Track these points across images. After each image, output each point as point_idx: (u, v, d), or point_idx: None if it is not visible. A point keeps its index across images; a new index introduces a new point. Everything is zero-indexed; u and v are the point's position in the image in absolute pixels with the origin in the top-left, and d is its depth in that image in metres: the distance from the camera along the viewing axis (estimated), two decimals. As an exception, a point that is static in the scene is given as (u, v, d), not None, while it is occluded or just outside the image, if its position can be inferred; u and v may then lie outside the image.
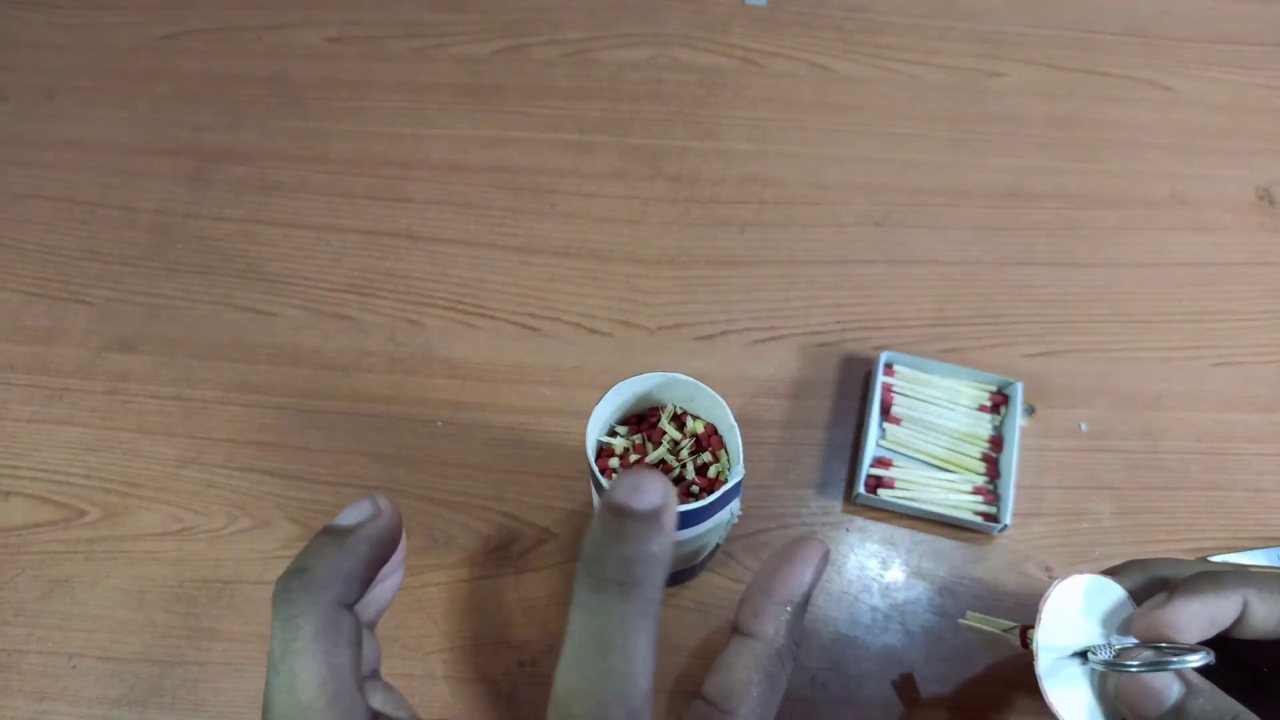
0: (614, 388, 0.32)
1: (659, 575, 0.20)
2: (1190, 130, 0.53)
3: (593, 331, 0.46)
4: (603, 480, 0.31)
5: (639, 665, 0.20)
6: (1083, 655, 0.29)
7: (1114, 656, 0.28)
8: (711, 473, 0.33)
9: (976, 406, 0.43)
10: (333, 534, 0.23)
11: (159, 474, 0.42)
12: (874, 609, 0.40)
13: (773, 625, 0.25)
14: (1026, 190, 0.51)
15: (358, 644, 0.23)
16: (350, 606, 0.23)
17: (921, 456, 0.42)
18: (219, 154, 0.51)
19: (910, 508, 0.41)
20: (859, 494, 0.41)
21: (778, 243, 0.49)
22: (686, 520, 0.30)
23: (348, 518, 0.24)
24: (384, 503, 0.24)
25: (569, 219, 0.49)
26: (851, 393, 0.44)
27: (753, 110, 0.53)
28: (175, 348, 0.45)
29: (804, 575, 0.26)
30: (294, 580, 0.22)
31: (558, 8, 0.56)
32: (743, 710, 0.24)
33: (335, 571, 0.22)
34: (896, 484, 0.41)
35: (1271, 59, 0.56)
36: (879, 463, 0.42)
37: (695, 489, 0.33)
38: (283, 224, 0.49)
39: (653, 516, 0.20)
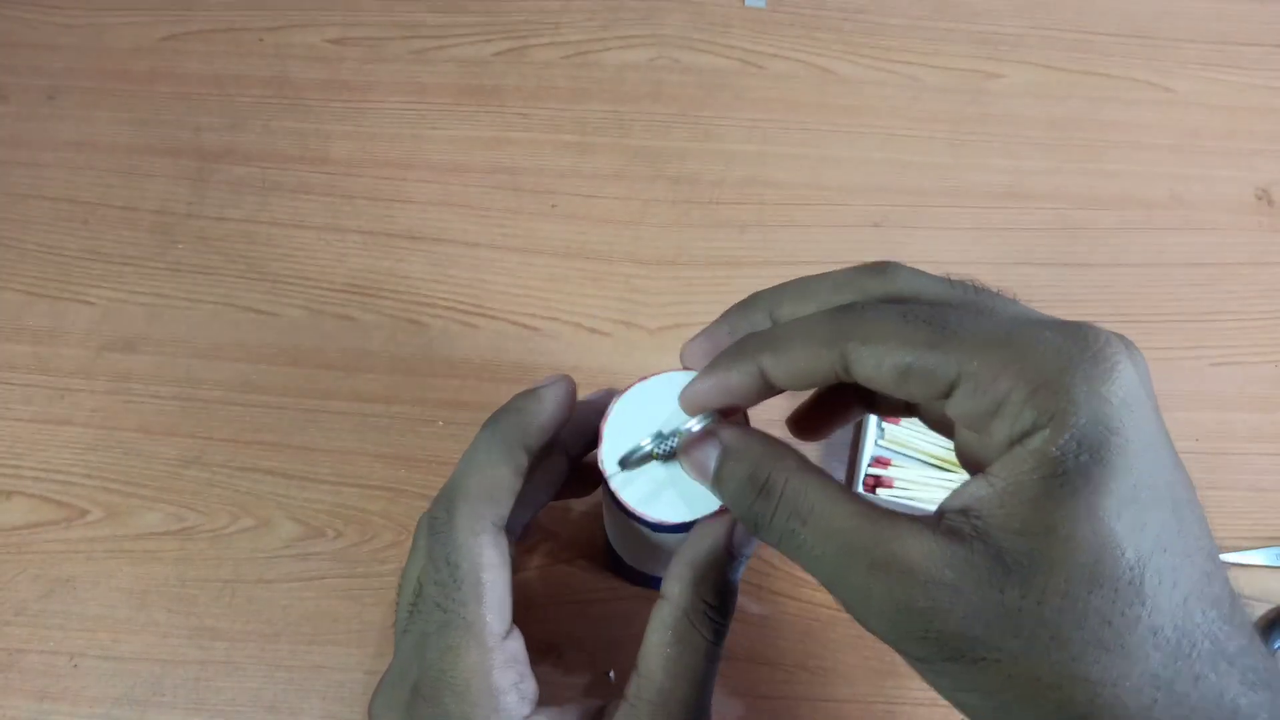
0: (628, 390, 0.31)
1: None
2: (1190, 130, 0.53)
3: (593, 331, 0.46)
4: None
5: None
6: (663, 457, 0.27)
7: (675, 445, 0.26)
8: None
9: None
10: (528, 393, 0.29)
11: (160, 473, 0.42)
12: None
13: (678, 584, 0.26)
14: (1026, 191, 0.51)
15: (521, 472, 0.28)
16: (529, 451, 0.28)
17: (921, 456, 0.42)
18: (220, 154, 0.51)
19: (909, 507, 0.41)
20: (856, 492, 0.41)
21: (778, 243, 0.49)
22: (693, 521, 0.30)
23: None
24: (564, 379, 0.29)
25: (569, 219, 0.49)
26: (851, 393, 0.44)
27: (753, 111, 0.53)
28: (177, 348, 0.45)
29: (712, 534, 0.26)
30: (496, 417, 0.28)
31: (558, 9, 0.56)
32: (650, 669, 0.25)
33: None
34: (895, 483, 0.41)
35: (1271, 59, 0.56)
36: (878, 462, 0.42)
37: None
38: (284, 224, 0.49)
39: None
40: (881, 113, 0.53)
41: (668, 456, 0.27)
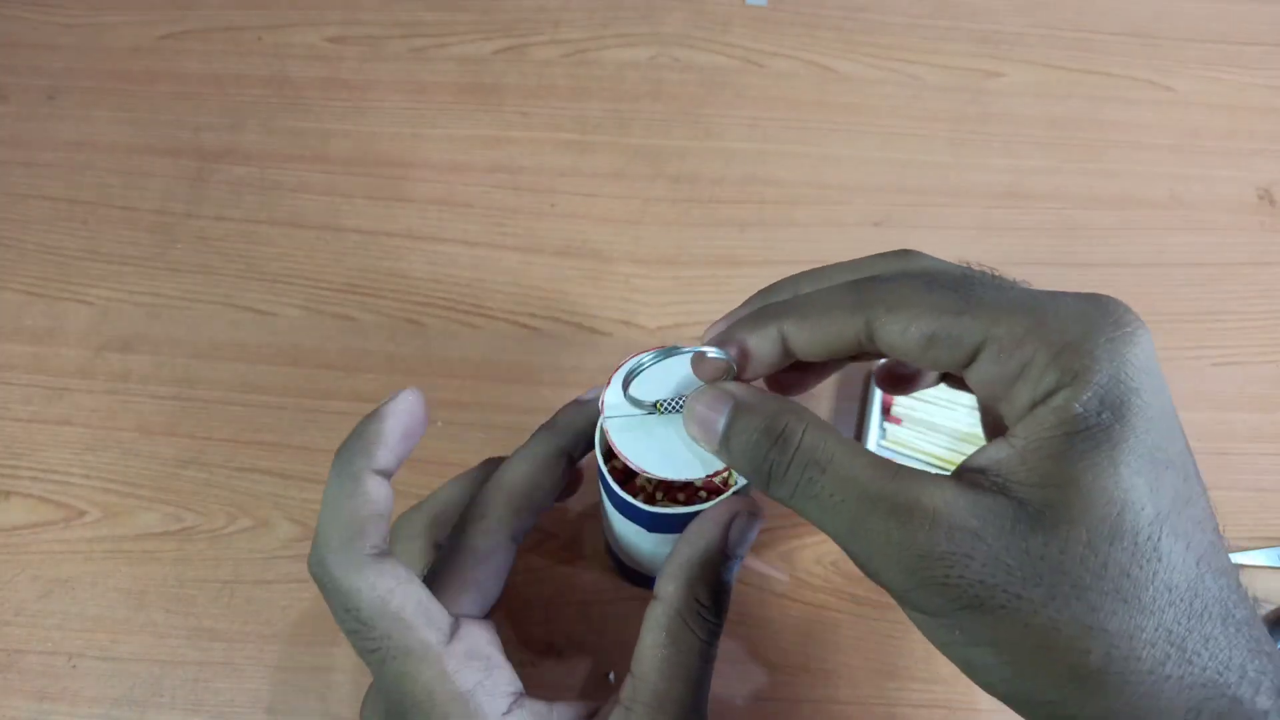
0: (628, 365, 0.31)
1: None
2: (1190, 130, 0.53)
3: (593, 331, 0.46)
4: (610, 480, 0.30)
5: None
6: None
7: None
8: (717, 477, 0.33)
9: (978, 406, 0.43)
10: (579, 402, 0.32)
11: (159, 474, 0.42)
12: (873, 607, 0.40)
13: (671, 584, 0.25)
14: (1026, 190, 0.51)
15: (560, 482, 0.30)
16: (572, 459, 0.31)
17: (922, 456, 0.42)
18: (219, 154, 0.51)
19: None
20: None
21: (778, 243, 0.49)
22: (688, 520, 0.30)
23: (588, 395, 0.31)
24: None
25: (569, 219, 0.49)
26: (852, 393, 0.44)
27: (753, 110, 0.53)
28: (175, 347, 0.45)
29: (707, 533, 0.25)
30: (544, 424, 0.31)
31: (558, 7, 0.56)
32: (644, 671, 0.25)
33: (571, 427, 0.31)
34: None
35: (1271, 59, 0.56)
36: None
37: (703, 494, 0.33)
38: (283, 224, 0.49)
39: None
40: (882, 111, 0.53)
41: (672, 410, 0.26)
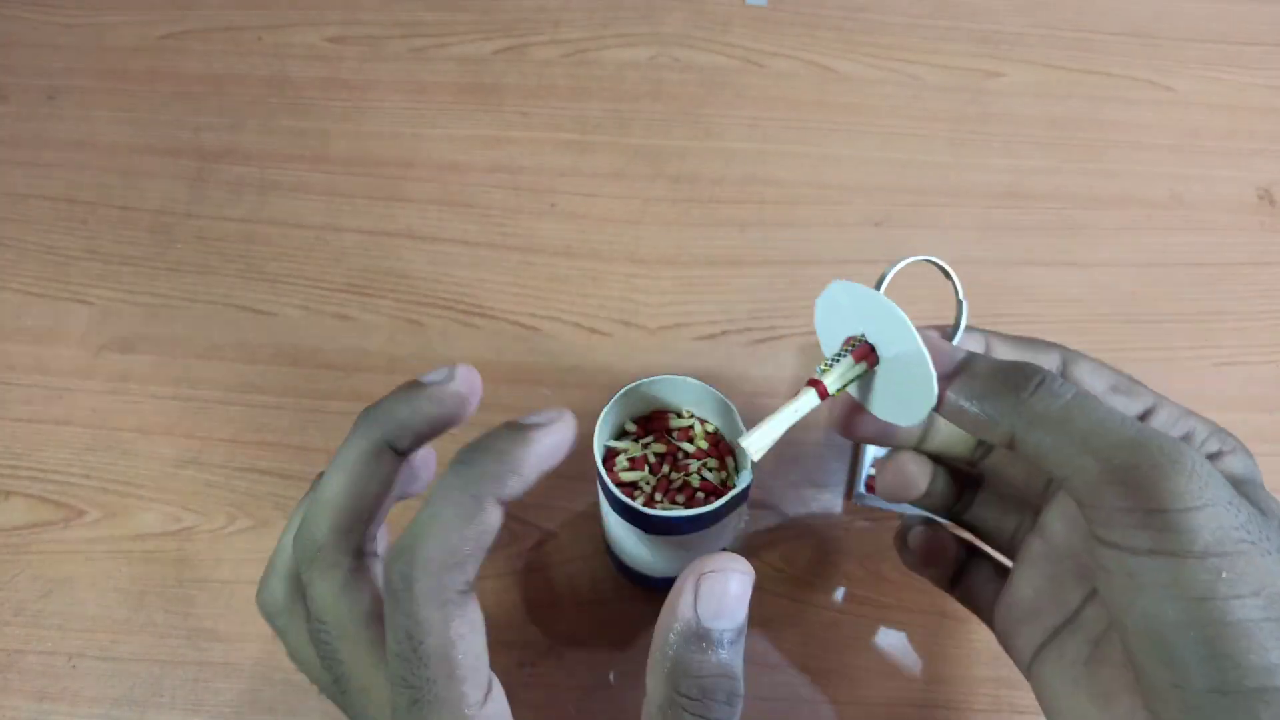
0: (623, 390, 0.32)
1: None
2: (1190, 130, 0.53)
3: (593, 331, 0.46)
4: (609, 482, 0.30)
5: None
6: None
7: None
8: (716, 479, 0.33)
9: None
10: (411, 385, 0.26)
11: (158, 474, 0.42)
12: (873, 607, 0.40)
13: (651, 678, 0.22)
14: (1026, 190, 0.51)
15: (389, 481, 0.26)
16: (398, 451, 0.26)
17: (922, 456, 0.42)
18: (219, 154, 0.51)
19: (910, 507, 0.41)
20: (859, 494, 0.41)
21: (778, 243, 0.49)
22: (693, 525, 0.30)
23: (427, 376, 0.26)
24: (460, 371, 0.26)
25: (569, 219, 0.49)
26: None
27: (753, 110, 0.53)
28: (175, 347, 0.45)
29: (676, 609, 0.22)
30: (365, 410, 0.26)
31: (558, 7, 0.56)
32: None
33: (391, 415, 0.25)
34: (897, 484, 0.41)
35: (1271, 59, 0.56)
36: (879, 463, 0.42)
37: (701, 495, 0.33)
38: (282, 224, 0.49)
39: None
40: (882, 111, 0.53)
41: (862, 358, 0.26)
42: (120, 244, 0.48)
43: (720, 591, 0.22)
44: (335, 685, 0.24)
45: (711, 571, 0.22)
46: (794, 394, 0.25)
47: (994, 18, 0.57)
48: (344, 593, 0.24)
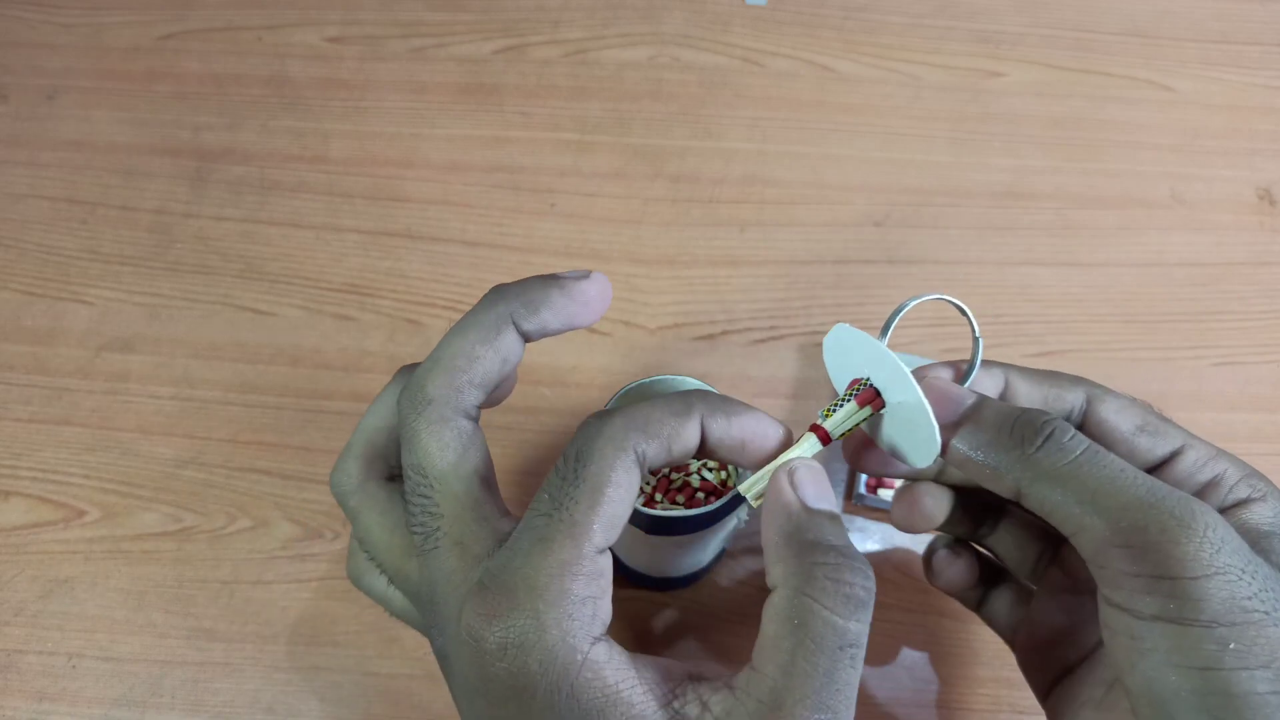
0: (623, 390, 0.32)
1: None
2: (1190, 130, 0.53)
3: (593, 331, 0.46)
4: None
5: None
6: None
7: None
8: (716, 479, 0.33)
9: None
10: (547, 275, 0.26)
11: (158, 474, 0.42)
12: (874, 608, 0.40)
13: (779, 565, 0.22)
14: (1026, 190, 0.51)
15: (508, 357, 0.25)
16: (521, 331, 0.25)
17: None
18: (219, 154, 0.51)
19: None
20: (859, 494, 0.41)
21: (778, 243, 0.48)
22: (693, 525, 0.30)
23: (565, 273, 0.26)
24: (596, 274, 0.26)
25: (569, 219, 0.49)
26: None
27: (753, 110, 0.53)
28: (175, 348, 0.45)
29: (780, 502, 0.23)
30: (495, 286, 0.25)
31: (558, 7, 0.56)
32: (761, 663, 0.21)
33: (523, 291, 0.25)
34: (897, 484, 0.41)
35: (1271, 59, 0.56)
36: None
37: (701, 495, 0.33)
38: (282, 224, 0.49)
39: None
40: (882, 111, 0.53)
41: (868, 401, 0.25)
42: (120, 244, 0.48)
43: (813, 479, 0.23)
44: (423, 543, 0.23)
45: (798, 466, 0.23)
46: (798, 438, 0.25)
47: (994, 18, 0.57)
48: (451, 446, 0.23)
